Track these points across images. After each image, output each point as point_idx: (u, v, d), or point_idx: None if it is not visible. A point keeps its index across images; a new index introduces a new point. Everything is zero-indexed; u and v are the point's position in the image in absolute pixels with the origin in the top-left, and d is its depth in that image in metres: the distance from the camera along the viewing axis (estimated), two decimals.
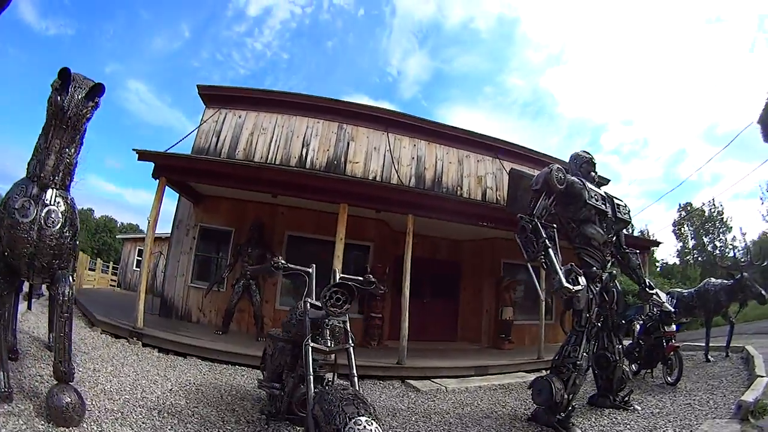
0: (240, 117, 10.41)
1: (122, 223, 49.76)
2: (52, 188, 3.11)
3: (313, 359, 3.05)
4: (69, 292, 3.20)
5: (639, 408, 4.84)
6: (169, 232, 10.12)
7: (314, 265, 3.23)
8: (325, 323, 2.93)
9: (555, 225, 4.39)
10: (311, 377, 2.58)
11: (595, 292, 4.43)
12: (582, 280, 4.18)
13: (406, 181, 10.57)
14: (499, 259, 10.53)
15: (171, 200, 10.16)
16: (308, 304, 2.97)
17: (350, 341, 2.85)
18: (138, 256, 23.14)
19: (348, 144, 10.55)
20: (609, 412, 4.76)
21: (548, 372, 4.47)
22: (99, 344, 6.16)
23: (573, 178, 4.56)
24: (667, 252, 43.68)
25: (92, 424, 3.25)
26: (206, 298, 8.86)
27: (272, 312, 9.10)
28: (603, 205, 4.71)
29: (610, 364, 4.77)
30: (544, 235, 4.08)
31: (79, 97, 3.04)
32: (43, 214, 3.04)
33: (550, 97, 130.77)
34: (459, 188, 11.08)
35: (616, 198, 5.01)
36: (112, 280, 22.83)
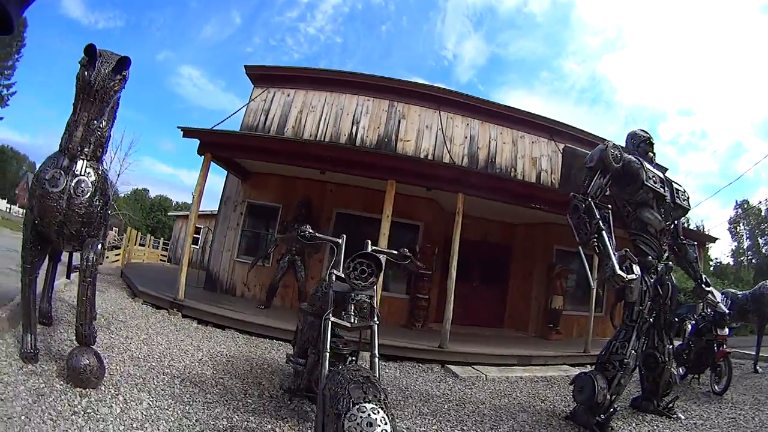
0: (288, 95, 10.38)
1: (177, 202, 52.62)
2: (83, 159, 3.15)
3: (336, 336, 2.89)
4: (93, 258, 3.21)
5: (683, 417, 4.31)
6: (217, 208, 10.39)
7: (344, 236, 2.99)
8: (351, 298, 2.66)
9: (610, 206, 3.94)
10: (327, 354, 2.35)
11: (649, 283, 3.96)
12: (636, 269, 3.72)
13: (458, 160, 10.14)
14: (552, 245, 9.93)
15: (221, 178, 10.42)
16: (333, 276, 2.73)
17: (375, 318, 2.57)
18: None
19: (399, 122, 10.26)
20: (651, 418, 4.26)
21: (592, 368, 4.03)
22: (138, 314, 6.36)
23: (630, 156, 4.15)
24: (721, 251, 41.33)
25: (110, 387, 3.28)
26: (251, 273, 8.97)
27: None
28: (661, 189, 4.20)
29: (658, 365, 4.26)
30: (598, 216, 3.67)
31: (106, 71, 3.05)
32: (72, 184, 3.09)
33: (607, 83, 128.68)
34: (513, 169, 10.54)
35: (676, 183, 4.45)
36: (162, 255, 24.18)
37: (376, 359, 2.44)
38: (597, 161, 3.88)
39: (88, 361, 3.12)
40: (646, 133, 4.51)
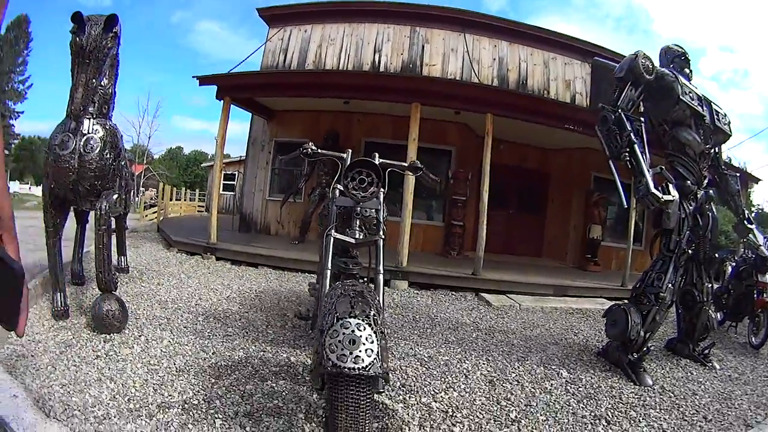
0: (305, 31, 9.95)
1: (212, 155, 53.35)
2: (88, 118, 3.20)
3: (348, 255, 2.71)
4: (106, 207, 3.24)
5: (718, 367, 3.87)
6: (245, 151, 10.34)
7: (350, 151, 2.76)
8: (356, 212, 2.48)
9: (643, 119, 3.44)
10: (327, 271, 2.22)
11: (688, 211, 3.50)
12: (674, 191, 3.27)
13: (487, 83, 9.49)
14: (590, 171, 9.38)
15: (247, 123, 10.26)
16: (337, 191, 2.51)
17: (381, 233, 2.39)
18: (224, 180, 24.96)
19: (423, 47, 9.68)
20: (686, 363, 3.88)
21: (627, 302, 3.68)
22: (172, 262, 6.52)
23: (664, 69, 3.62)
24: (763, 198, 39.20)
25: (134, 330, 3.37)
26: (284, 210, 9.02)
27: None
28: (699, 107, 3.64)
29: (696, 303, 3.83)
30: (629, 128, 3.22)
31: (96, 32, 3.07)
32: (81, 143, 3.15)
33: (644, 13, 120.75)
34: (545, 92, 9.80)
35: (716, 104, 3.83)
36: (200, 206, 24.83)
37: (380, 276, 2.28)
38: (627, 71, 3.41)
39: (109, 307, 3.20)
40: (681, 48, 3.87)
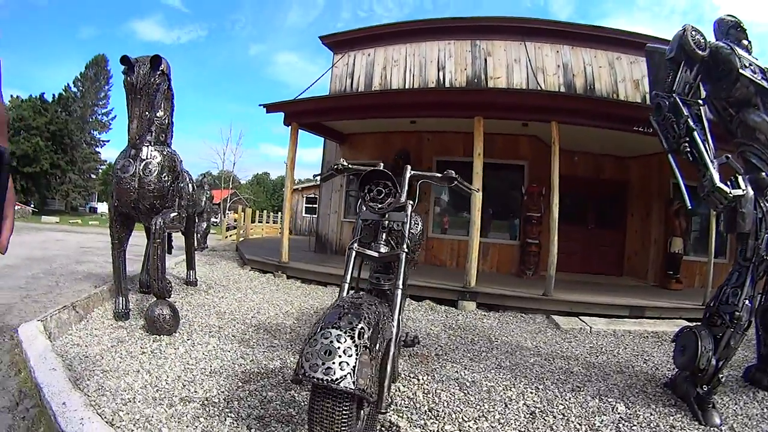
0: (369, 55, 10.18)
1: (299, 179, 56.28)
2: (147, 146, 3.58)
3: (381, 270, 2.58)
4: (161, 223, 3.53)
5: None
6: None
7: (381, 163, 2.68)
8: (382, 226, 2.38)
9: (702, 102, 2.93)
10: (346, 285, 2.14)
11: (765, 209, 2.90)
12: (745, 185, 2.75)
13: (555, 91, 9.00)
14: (668, 178, 8.25)
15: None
16: (363, 206, 2.42)
17: (405, 246, 2.25)
18: (306, 203, 25.91)
19: (485, 60, 9.44)
20: (764, 396, 3.15)
21: (700, 323, 3.06)
22: (243, 279, 6.82)
23: (717, 42, 3.09)
24: None
25: (184, 334, 3.59)
26: None
27: (424, 240, 9.00)
28: (765, 81, 3.00)
29: None
30: (687, 113, 2.78)
31: (144, 71, 3.42)
32: (141, 167, 3.53)
33: (708, 2, 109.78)
34: (614, 95, 9.06)
35: None
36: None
37: (399, 291, 2.13)
38: (677, 49, 2.95)
39: (161, 311, 3.45)
40: (734, 17, 3.23)
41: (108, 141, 46.23)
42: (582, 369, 3.60)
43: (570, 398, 2.92)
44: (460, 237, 8.40)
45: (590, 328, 5.08)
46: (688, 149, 2.73)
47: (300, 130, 8.02)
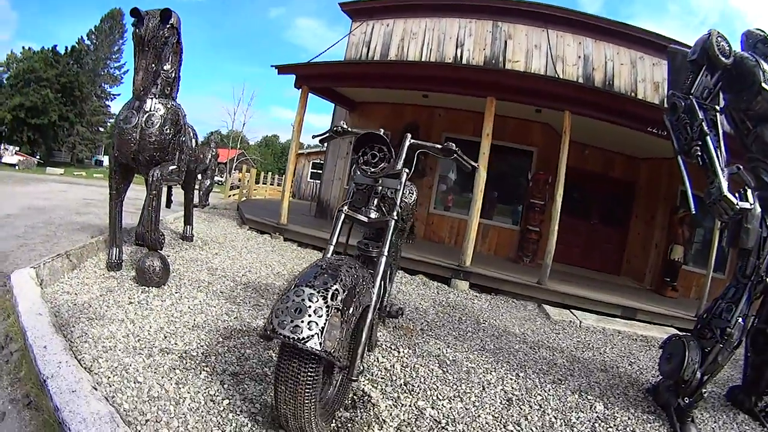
0: (388, 26, 9.95)
1: (308, 144, 55.89)
2: (151, 98, 3.56)
3: (370, 238, 2.55)
4: (158, 174, 3.52)
5: None
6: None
7: (382, 130, 2.58)
8: (375, 192, 2.34)
9: (718, 109, 2.82)
10: (331, 247, 2.11)
11: None
12: (754, 200, 2.68)
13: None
14: (677, 185, 8.22)
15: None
16: (357, 170, 2.39)
17: (394, 215, 2.20)
18: (311, 168, 25.84)
19: (505, 42, 9.20)
20: (743, 419, 3.09)
21: (691, 332, 3.03)
22: (239, 238, 6.80)
23: (743, 52, 2.95)
24: None
25: (173, 287, 3.59)
26: None
27: (425, 215, 9.00)
28: None
29: None
30: (701, 117, 2.69)
31: (153, 24, 3.38)
32: (143, 119, 3.51)
33: (740, 17, 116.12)
34: (633, 94, 8.83)
35: None
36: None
37: (383, 259, 2.07)
38: (700, 52, 2.82)
39: (151, 263, 3.46)
40: (763, 31, 3.11)
41: (119, 95, 45.81)
42: (566, 362, 3.59)
43: (549, 390, 2.90)
44: (462, 216, 8.38)
45: (580, 322, 5.06)
46: (699, 153, 2.64)
47: (311, 95, 7.90)
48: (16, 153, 31.55)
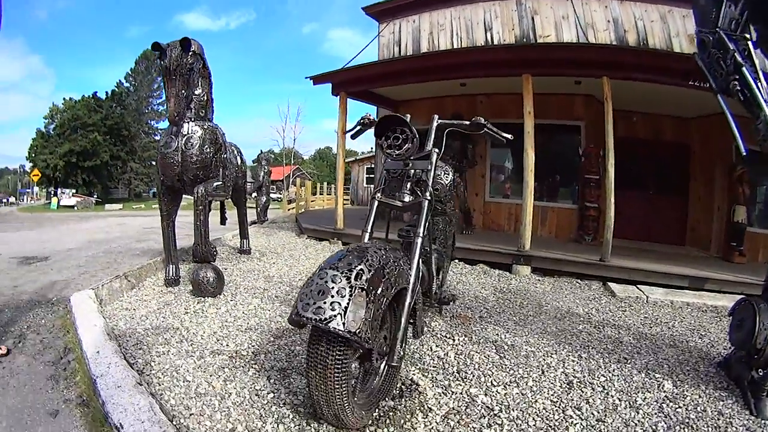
0: (414, 22, 9.85)
1: (362, 152, 56.13)
2: (187, 122, 3.72)
3: (411, 225, 2.58)
4: (202, 191, 3.68)
5: None
6: (374, 144, 10.56)
7: (408, 115, 2.67)
8: (407, 176, 2.31)
9: (749, 37, 2.46)
10: (366, 234, 2.09)
11: None
12: None
13: None
14: (730, 140, 7.19)
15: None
16: (383, 153, 2.36)
17: (427, 195, 2.16)
18: (366, 174, 26.12)
19: (532, 18, 8.85)
20: None
21: (761, 295, 2.64)
22: (298, 247, 6.90)
23: None
24: None
25: (229, 295, 3.73)
26: None
27: (482, 205, 8.77)
28: None
29: None
30: (733, 48, 2.39)
31: (175, 54, 3.53)
32: (182, 142, 3.68)
33: None
34: (669, 50, 8.08)
35: None
36: (345, 199, 25.66)
37: (418, 240, 2.04)
38: None
39: (205, 274, 3.61)
40: None
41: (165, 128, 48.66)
42: (632, 340, 3.31)
43: (614, 370, 2.66)
44: (519, 201, 8.12)
45: (647, 297, 4.70)
46: (738, 87, 2.32)
47: (351, 100, 7.95)
48: (73, 195, 34.22)
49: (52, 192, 36.97)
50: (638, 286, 5.11)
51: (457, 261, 5.93)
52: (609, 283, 5.20)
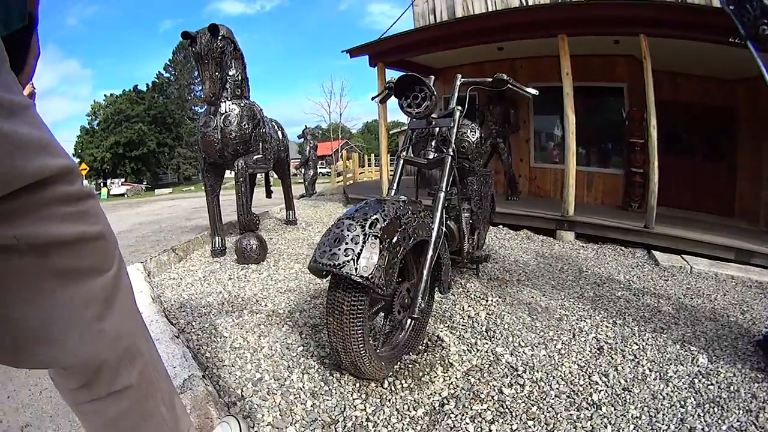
0: None
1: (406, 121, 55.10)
2: (224, 101, 3.87)
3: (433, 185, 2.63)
4: (242, 164, 3.82)
5: None
6: None
7: (432, 77, 2.59)
8: (431, 134, 2.34)
9: None
10: (393, 190, 2.15)
11: None
12: None
13: None
14: None
15: None
16: (404, 113, 2.38)
17: (450, 150, 2.18)
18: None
19: None
20: None
21: None
22: None
23: None
24: None
25: (272, 262, 3.90)
26: None
27: (527, 170, 8.58)
28: None
29: None
30: None
31: (205, 40, 3.62)
32: (221, 120, 3.84)
33: None
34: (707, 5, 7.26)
35: None
36: (390, 169, 25.41)
37: (441, 194, 2.05)
38: None
39: (248, 242, 3.79)
40: None
41: None
42: (671, 310, 3.16)
43: (648, 339, 2.55)
44: (556, 165, 7.93)
45: (691, 267, 4.45)
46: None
47: (391, 70, 7.91)
48: (122, 184, 35.73)
49: (101, 183, 38.65)
50: (683, 256, 4.86)
51: (501, 226, 5.91)
52: (654, 252, 4.99)
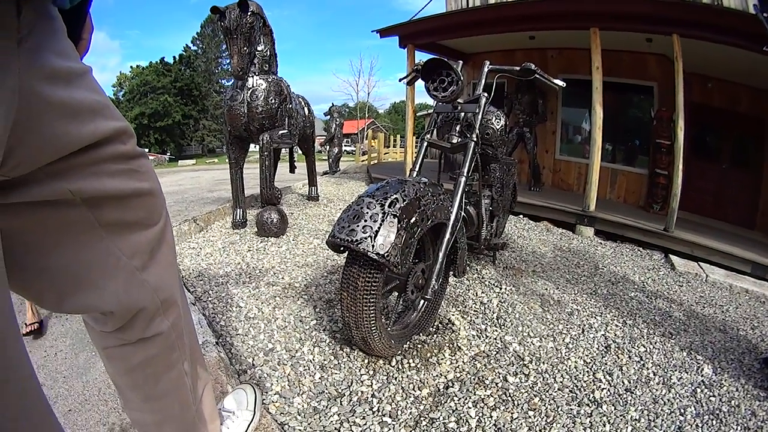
0: None
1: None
2: (251, 76, 3.84)
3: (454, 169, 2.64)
4: (267, 138, 3.84)
5: None
6: None
7: (460, 62, 2.55)
8: (456, 119, 2.34)
9: None
10: (415, 172, 2.15)
11: None
12: None
13: None
14: None
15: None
16: (430, 96, 2.37)
17: (473, 136, 2.18)
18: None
19: None
20: None
21: None
22: None
23: None
24: None
25: (291, 236, 3.91)
26: None
27: (552, 162, 8.43)
28: None
29: None
30: None
31: (234, 15, 3.58)
32: (248, 95, 3.83)
33: None
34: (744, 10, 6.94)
35: None
36: (415, 152, 25.15)
37: (461, 179, 2.06)
38: None
39: (269, 215, 3.82)
40: None
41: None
42: (682, 316, 3.12)
43: (656, 342, 2.53)
44: (580, 159, 7.78)
45: (706, 276, 4.34)
46: None
47: (421, 52, 7.79)
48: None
49: None
50: (700, 263, 4.76)
51: (521, 216, 5.88)
52: (671, 256, 4.89)
